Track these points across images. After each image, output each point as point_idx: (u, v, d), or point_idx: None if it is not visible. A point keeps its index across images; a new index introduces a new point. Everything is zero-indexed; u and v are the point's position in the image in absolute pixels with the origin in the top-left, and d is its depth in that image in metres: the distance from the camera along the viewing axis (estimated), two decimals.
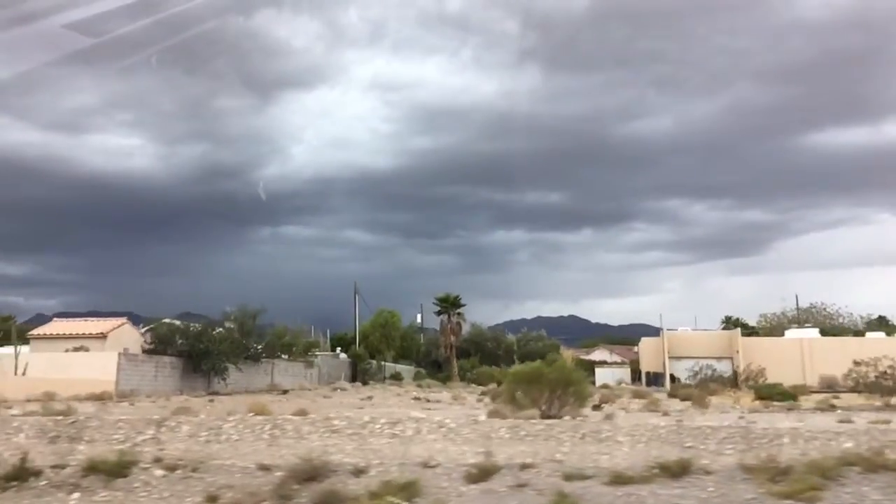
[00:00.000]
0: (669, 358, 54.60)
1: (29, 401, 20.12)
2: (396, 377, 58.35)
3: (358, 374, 56.20)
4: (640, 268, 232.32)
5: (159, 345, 30.49)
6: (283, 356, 39.67)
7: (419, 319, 75.95)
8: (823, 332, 56.62)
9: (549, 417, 11.38)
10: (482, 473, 6.80)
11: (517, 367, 14.84)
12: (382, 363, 62.82)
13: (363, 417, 9.15)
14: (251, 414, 12.21)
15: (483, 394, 24.79)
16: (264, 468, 7.27)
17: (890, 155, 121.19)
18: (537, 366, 13.47)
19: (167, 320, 32.07)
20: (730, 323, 79.29)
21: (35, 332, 30.48)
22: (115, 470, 7.36)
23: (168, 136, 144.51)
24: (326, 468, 6.97)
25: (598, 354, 77.74)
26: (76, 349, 27.08)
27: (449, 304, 50.17)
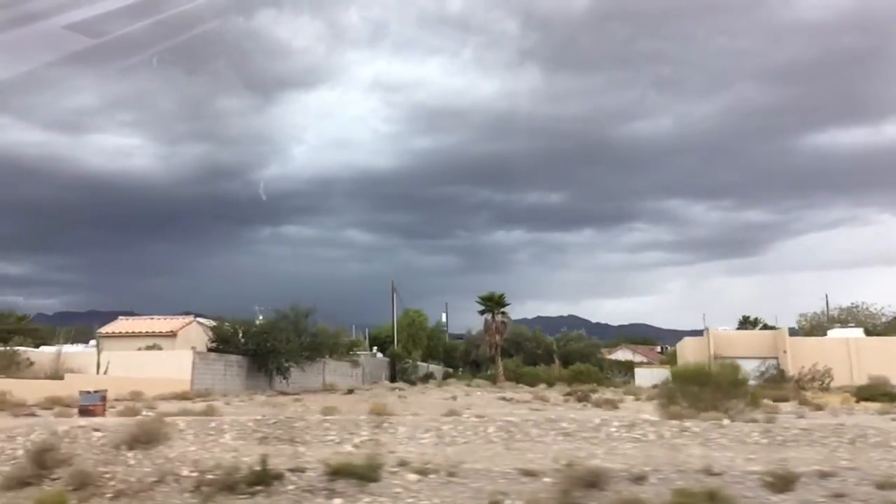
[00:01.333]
0: (714, 358, 54.04)
1: (118, 400, 19.76)
2: (429, 377, 57.89)
3: (396, 374, 55.79)
4: (641, 268, 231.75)
5: (221, 343, 30.11)
6: (332, 355, 39.32)
7: (444, 319, 75.75)
8: (867, 332, 55.88)
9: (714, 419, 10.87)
10: (782, 482, 6.28)
11: (677, 367, 14.25)
12: (417, 363, 62.43)
13: (593, 420, 8.63)
14: (376, 414, 11.75)
15: (568, 394, 24.21)
16: (528, 473, 6.77)
17: (890, 155, 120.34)
18: (701, 367, 12.95)
19: (226, 318, 31.63)
20: (747, 322, 78.53)
21: (102, 330, 30.15)
22: (365, 474, 6.88)
23: (168, 137, 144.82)
24: (604, 475, 6.46)
25: (619, 354, 76.85)
26: (149, 347, 26.72)
27: (493, 303, 49.55)
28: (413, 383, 45.90)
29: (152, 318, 31.81)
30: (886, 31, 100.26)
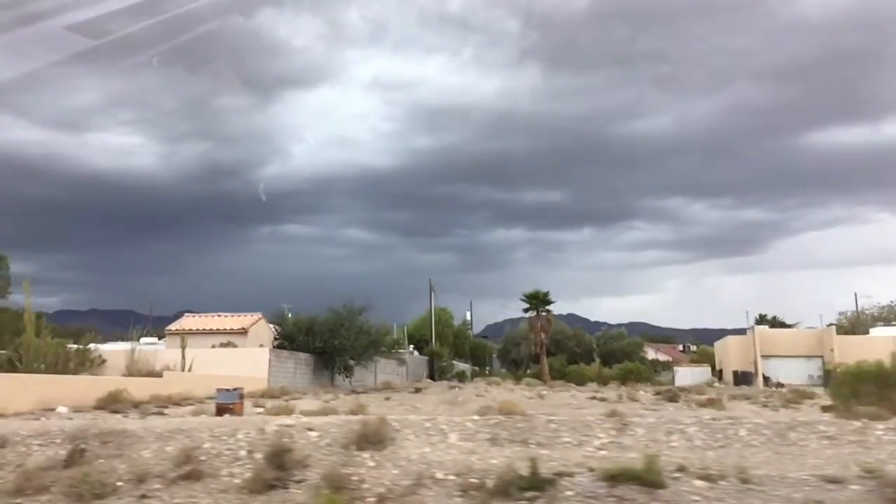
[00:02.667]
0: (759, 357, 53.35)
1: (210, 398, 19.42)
2: (461, 375, 57.45)
3: (435, 372, 55.40)
4: (640, 266, 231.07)
5: (285, 341, 29.79)
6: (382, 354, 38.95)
7: (468, 317, 75.30)
8: None
9: None
10: None
11: (853, 365, 13.75)
12: (452, 362, 62.01)
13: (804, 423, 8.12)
14: (503, 414, 11.31)
15: (658, 393, 23.68)
16: (832, 481, 6.30)
17: (889, 154, 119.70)
18: (881, 366, 12.44)
19: (290, 316, 31.31)
20: (764, 321, 77.69)
21: (170, 327, 29.81)
22: (650, 479, 6.42)
23: (169, 135, 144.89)
24: None
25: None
26: (223, 345, 26.36)
27: (538, 301, 49.12)
28: (462, 381, 45.46)
29: (219, 316, 31.42)
30: (886, 31, 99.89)
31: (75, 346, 26.56)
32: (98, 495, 6.92)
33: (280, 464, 7.20)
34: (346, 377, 30.52)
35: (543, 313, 49.45)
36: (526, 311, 50.13)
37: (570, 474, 6.69)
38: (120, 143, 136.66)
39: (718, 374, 57.62)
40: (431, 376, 53.10)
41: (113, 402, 14.63)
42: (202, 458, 7.73)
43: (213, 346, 25.88)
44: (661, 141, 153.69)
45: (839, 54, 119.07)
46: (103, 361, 25.96)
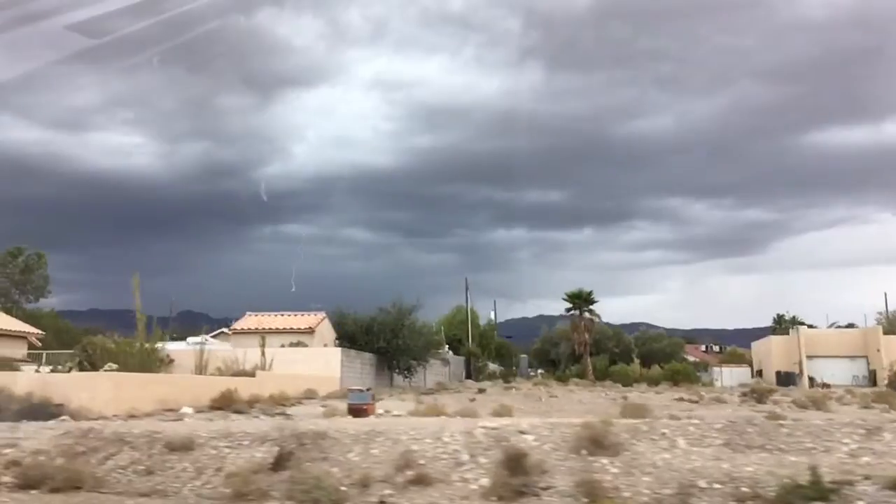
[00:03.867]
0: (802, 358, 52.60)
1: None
2: (493, 376, 56.93)
3: (472, 373, 54.96)
4: (641, 267, 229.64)
5: (345, 340, 29.44)
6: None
7: (493, 317, 74.74)
8: None
9: None
10: None
11: None
12: (487, 362, 61.56)
13: None
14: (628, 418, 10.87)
15: (744, 395, 23.14)
16: None
17: (890, 154, 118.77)
18: None
19: (351, 315, 30.94)
20: (784, 321, 76.73)
21: (235, 326, 29.52)
22: None
23: (169, 135, 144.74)
24: None
25: None
26: (293, 344, 26.02)
27: (581, 301, 48.61)
28: (509, 381, 45.01)
29: (281, 315, 31.09)
30: (887, 30, 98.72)
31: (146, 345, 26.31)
32: (335, 501, 6.54)
33: (519, 469, 6.79)
34: (406, 377, 30.15)
35: (586, 313, 48.92)
36: (568, 311, 49.62)
37: (849, 483, 6.24)
38: (120, 143, 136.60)
39: (758, 375, 56.95)
40: (469, 376, 52.69)
41: (227, 402, 14.28)
42: (420, 461, 7.34)
43: (283, 346, 25.54)
44: (663, 141, 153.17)
45: (841, 54, 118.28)
46: (171, 361, 25.72)
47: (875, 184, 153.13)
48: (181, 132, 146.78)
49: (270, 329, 28.42)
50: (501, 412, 12.01)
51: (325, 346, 26.78)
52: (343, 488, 6.98)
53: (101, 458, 8.28)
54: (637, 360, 55.77)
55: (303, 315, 30.62)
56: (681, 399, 21.59)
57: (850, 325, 62.38)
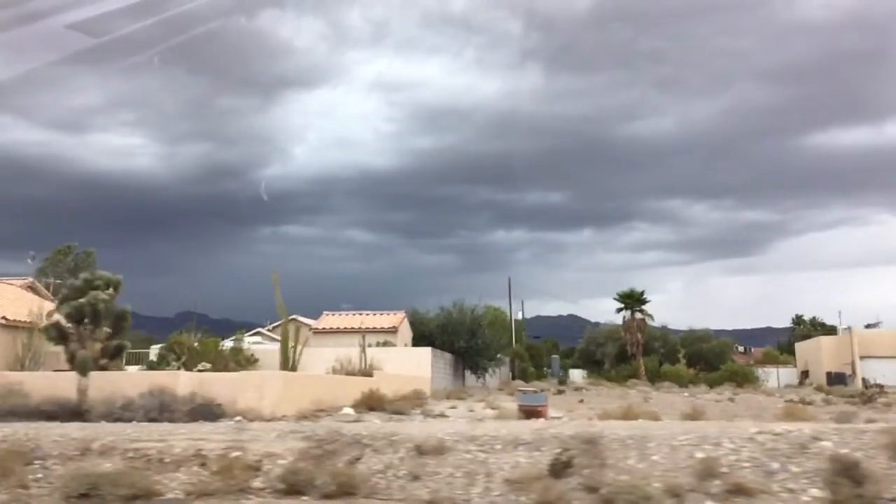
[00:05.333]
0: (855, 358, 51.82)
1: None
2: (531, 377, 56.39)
3: (517, 374, 54.47)
4: (641, 268, 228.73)
5: (420, 340, 29.04)
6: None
7: (520, 317, 74.15)
8: None
9: None
10: None
11: None
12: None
13: None
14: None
15: (851, 396, 22.55)
16: None
17: (890, 155, 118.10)
18: None
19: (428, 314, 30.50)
20: (801, 322, 75.79)
21: (316, 325, 29.16)
22: None
23: (170, 136, 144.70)
24: None
25: None
26: (380, 344, 25.61)
27: (633, 300, 48.05)
28: (564, 383, 44.43)
29: (360, 314, 30.64)
30: (887, 32, 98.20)
31: (232, 345, 26.05)
32: None
33: (855, 479, 6.31)
34: (479, 378, 29.71)
35: (637, 313, 48.36)
36: (619, 310, 49.10)
37: None
38: (121, 144, 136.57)
39: (804, 375, 56.29)
40: (514, 378, 52.24)
41: (373, 402, 13.85)
42: (723, 469, 6.87)
43: (370, 345, 25.12)
44: (663, 142, 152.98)
45: (841, 55, 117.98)
46: (256, 360, 25.43)
47: (875, 185, 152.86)
48: (182, 133, 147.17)
49: (353, 328, 27.99)
50: (693, 416, 11.51)
51: (405, 345, 26.36)
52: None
53: (346, 462, 7.86)
54: (683, 361, 55.15)
55: (381, 314, 30.12)
56: (791, 401, 21.01)
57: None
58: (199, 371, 20.23)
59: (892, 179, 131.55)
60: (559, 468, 7.20)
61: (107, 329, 14.62)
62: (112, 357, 14.22)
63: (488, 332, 29.43)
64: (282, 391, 11.91)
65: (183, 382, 12.13)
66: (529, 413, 11.86)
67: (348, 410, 12.76)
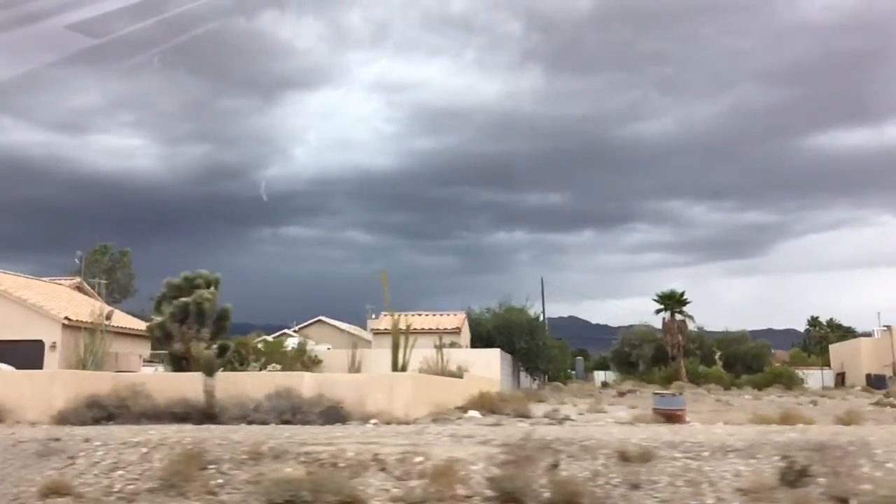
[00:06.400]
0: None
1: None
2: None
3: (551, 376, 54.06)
4: (642, 269, 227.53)
5: (478, 340, 28.66)
6: None
7: (542, 318, 73.68)
8: None
9: None
10: None
11: None
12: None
13: None
14: None
15: None
16: None
17: (891, 156, 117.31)
18: None
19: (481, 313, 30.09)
20: (816, 324, 74.91)
21: (375, 327, 28.79)
22: None
23: (170, 137, 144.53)
24: None
25: None
26: (449, 345, 25.21)
27: (673, 301, 47.42)
28: (601, 384, 43.98)
29: (421, 314, 30.18)
30: (889, 33, 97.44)
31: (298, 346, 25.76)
32: None
33: None
34: (535, 379, 29.31)
35: (677, 314, 47.74)
36: (657, 311, 48.50)
37: None
38: (121, 145, 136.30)
39: (840, 377, 55.64)
40: (549, 379, 51.81)
41: (486, 405, 13.46)
42: None
43: (436, 347, 24.75)
44: (663, 143, 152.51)
45: (842, 56, 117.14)
46: (320, 361, 25.11)
47: (876, 186, 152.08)
48: (182, 134, 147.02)
49: (417, 329, 27.52)
50: (847, 420, 11.07)
51: (467, 345, 26.01)
52: None
53: (545, 468, 7.45)
54: (720, 362, 54.58)
55: (441, 315, 29.70)
56: (878, 404, 20.46)
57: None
58: (271, 371, 19.95)
59: (893, 181, 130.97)
60: (793, 477, 6.79)
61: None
62: (217, 357, 13.87)
63: (543, 334, 28.99)
64: (412, 393, 11.53)
65: (308, 384, 11.77)
66: (669, 417, 11.43)
67: (474, 413, 12.36)
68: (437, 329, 27.34)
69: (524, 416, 12.42)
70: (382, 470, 7.81)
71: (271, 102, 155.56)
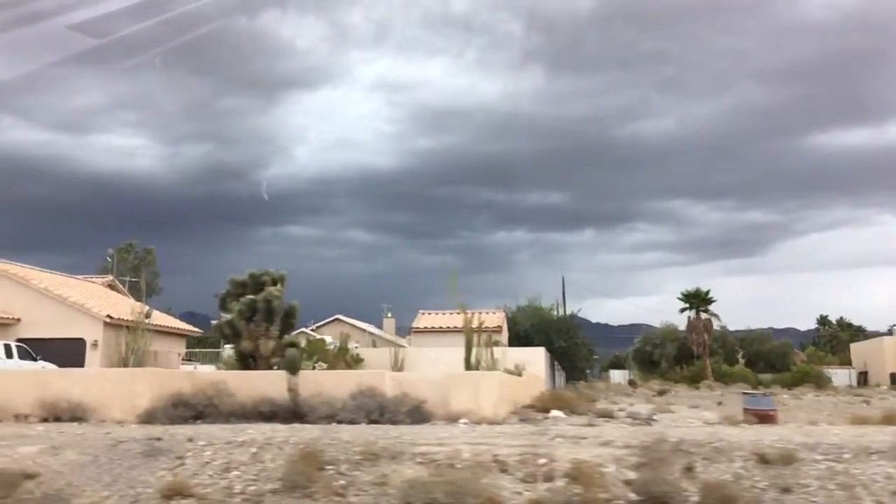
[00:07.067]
0: None
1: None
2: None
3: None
4: (642, 268, 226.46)
5: (515, 339, 28.41)
6: None
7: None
8: None
9: None
10: None
11: None
12: None
13: None
14: None
15: None
16: None
17: (892, 156, 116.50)
18: None
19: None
20: (826, 322, 74.28)
21: (415, 325, 28.59)
22: None
23: (172, 137, 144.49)
24: None
25: None
26: (495, 343, 24.95)
27: (698, 300, 47.10)
28: (633, 386, 43.66)
29: (456, 313, 29.93)
30: (889, 32, 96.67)
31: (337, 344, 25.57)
32: None
33: None
34: (571, 377, 29.03)
35: (703, 313, 47.42)
36: (682, 310, 48.21)
37: None
38: (123, 145, 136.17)
39: (863, 376, 55.25)
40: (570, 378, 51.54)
41: (560, 403, 13.21)
42: None
43: (486, 345, 24.46)
44: (664, 143, 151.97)
45: (843, 56, 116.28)
46: (362, 360, 24.88)
47: (876, 185, 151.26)
48: (183, 134, 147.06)
49: (457, 328, 27.34)
50: None
51: (505, 345, 25.72)
52: None
53: (681, 471, 7.21)
54: (742, 361, 54.24)
55: (486, 313, 29.35)
56: None
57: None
58: (317, 370, 19.72)
59: (894, 180, 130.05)
60: None
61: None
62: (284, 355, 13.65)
63: (579, 333, 28.71)
64: (498, 392, 11.29)
65: (389, 383, 11.55)
66: (762, 417, 11.14)
67: (557, 413, 12.12)
68: (480, 328, 27.04)
69: (608, 416, 12.17)
70: (504, 471, 7.57)
71: (272, 102, 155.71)
